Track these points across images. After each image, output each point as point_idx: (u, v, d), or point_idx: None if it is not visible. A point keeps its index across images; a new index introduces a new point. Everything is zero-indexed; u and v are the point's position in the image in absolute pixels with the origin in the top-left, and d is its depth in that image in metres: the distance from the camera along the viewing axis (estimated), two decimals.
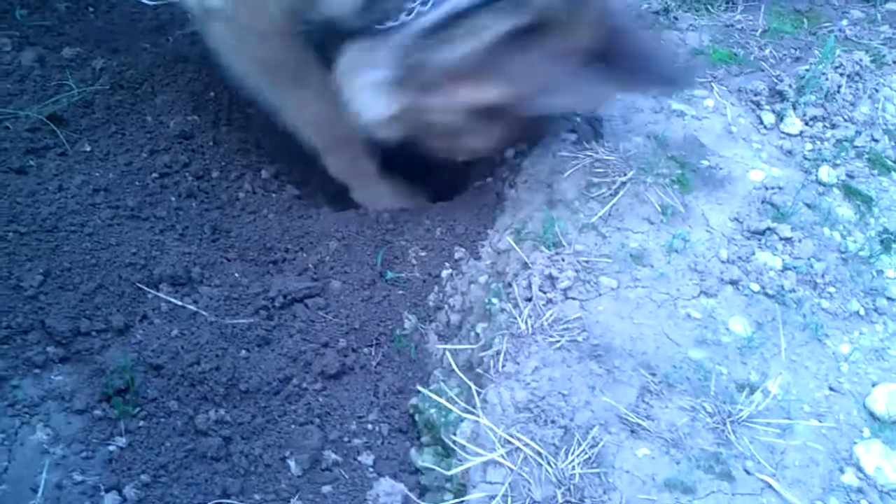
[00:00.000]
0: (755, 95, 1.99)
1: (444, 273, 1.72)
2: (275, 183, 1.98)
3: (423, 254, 1.76)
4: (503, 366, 1.45)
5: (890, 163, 1.92)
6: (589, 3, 1.50)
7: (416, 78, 1.51)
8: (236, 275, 1.69)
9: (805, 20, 2.23)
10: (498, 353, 1.47)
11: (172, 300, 1.61)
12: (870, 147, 1.93)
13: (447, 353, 1.57)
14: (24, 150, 1.83)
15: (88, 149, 1.90)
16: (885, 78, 2.11)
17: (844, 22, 2.25)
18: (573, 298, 1.53)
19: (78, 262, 1.60)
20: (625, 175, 1.74)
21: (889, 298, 1.65)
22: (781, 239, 1.67)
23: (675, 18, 2.22)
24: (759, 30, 2.18)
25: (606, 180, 1.74)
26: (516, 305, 1.53)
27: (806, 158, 1.88)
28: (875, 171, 1.90)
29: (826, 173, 1.84)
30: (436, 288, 1.70)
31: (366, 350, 1.64)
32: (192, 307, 1.61)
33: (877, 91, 2.06)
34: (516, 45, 1.45)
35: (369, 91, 1.56)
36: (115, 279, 1.60)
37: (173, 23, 2.21)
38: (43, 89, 2.01)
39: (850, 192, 1.83)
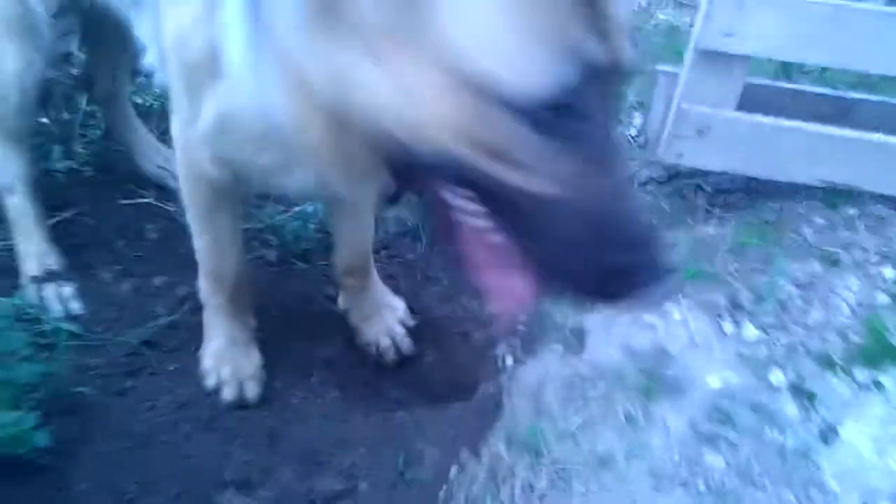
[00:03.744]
0: (717, 307, 2.36)
1: (452, 473, 2.10)
2: (319, 386, 2.41)
3: (436, 455, 2.15)
4: None
5: (837, 360, 2.26)
6: None
7: None
8: (287, 477, 2.11)
9: (771, 229, 2.60)
10: None
11: None
12: (819, 348, 2.27)
13: None
14: (124, 373, 2.32)
15: (172, 368, 2.38)
16: (840, 280, 2.46)
17: (807, 229, 2.61)
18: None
19: (164, 472, 2.04)
20: (600, 386, 2.13)
21: (823, 491, 1.97)
22: (727, 442, 2.02)
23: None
24: (728, 244, 2.56)
25: (585, 391, 2.13)
26: None
27: (759, 364, 2.22)
28: (823, 370, 2.23)
29: (776, 376, 2.19)
30: (444, 486, 2.09)
31: None
32: None
33: (830, 295, 2.41)
34: None
35: None
36: (192, 485, 2.04)
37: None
38: (138, 315, 2.51)
39: (796, 392, 2.17)
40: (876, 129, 2.64)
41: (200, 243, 2.05)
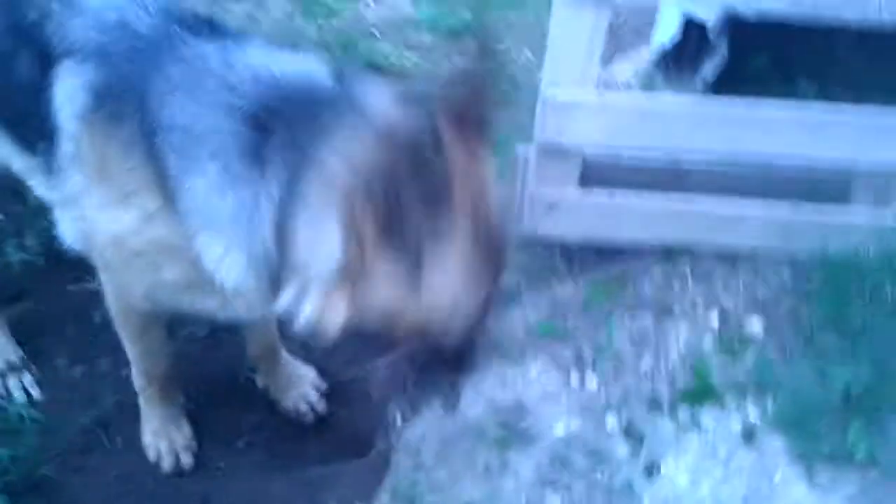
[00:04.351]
0: (566, 361, 2.85)
1: None
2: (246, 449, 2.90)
3: None
4: None
5: (663, 402, 2.77)
6: None
7: None
8: None
9: (615, 287, 3.09)
10: None
11: None
12: (649, 392, 2.78)
13: None
14: (80, 450, 2.79)
15: (121, 443, 2.84)
16: (671, 329, 2.97)
17: (646, 284, 3.09)
18: None
19: None
20: (467, 440, 2.63)
21: None
22: (564, 484, 2.53)
23: (520, 293, 3.09)
24: (579, 302, 3.05)
25: (455, 445, 2.63)
26: None
27: (597, 411, 2.72)
28: (651, 412, 2.74)
29: (610, 421, 2.70)
30: None
31: None
32: None
33: (661, 343, 2.91)
34: None
35: None
36: None
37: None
38: (89, 396, 2.96)
39: (627, 434, 2.68)
40: (705, 191, 3.14)
41: (132, 353, 2.51)
